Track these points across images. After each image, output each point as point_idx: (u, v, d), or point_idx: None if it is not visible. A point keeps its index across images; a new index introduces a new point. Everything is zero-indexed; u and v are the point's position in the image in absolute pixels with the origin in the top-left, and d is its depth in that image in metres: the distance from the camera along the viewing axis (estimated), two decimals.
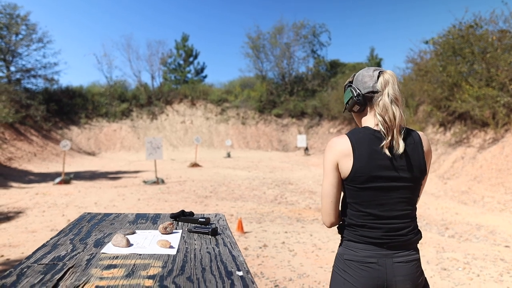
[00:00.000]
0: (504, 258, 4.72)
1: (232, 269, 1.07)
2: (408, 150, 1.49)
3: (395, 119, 1.47)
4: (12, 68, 26.56)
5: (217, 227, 1.47)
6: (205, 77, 41.02)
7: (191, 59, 39.56)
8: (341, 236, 1.59)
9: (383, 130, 1.47)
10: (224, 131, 30.70)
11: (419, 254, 1.55)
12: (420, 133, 1.58)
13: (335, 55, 68.54)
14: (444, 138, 14.39)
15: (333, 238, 5.54)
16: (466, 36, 13.63)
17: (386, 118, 1.47)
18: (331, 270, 4.22)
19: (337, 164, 1.50)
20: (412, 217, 1.55)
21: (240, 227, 5.89)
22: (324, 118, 29.54)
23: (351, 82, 1.65)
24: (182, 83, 37.58)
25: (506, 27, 12.95)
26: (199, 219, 1.59)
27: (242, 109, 32.71)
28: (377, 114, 1.50)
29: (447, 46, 14.43)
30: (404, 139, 1.49)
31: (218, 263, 1.12)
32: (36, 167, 16.67)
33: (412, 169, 1.49)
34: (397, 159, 1.47)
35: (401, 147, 1.46)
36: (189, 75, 39.45)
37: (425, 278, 1.57)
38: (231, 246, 1.31)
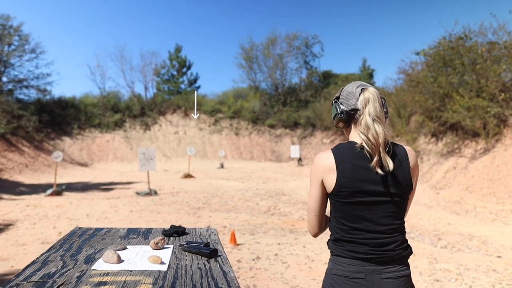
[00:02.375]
0: (496, 268, 4.74)
1: (223, 285, 1.07)
2: (394, 167, 1.49)
3: (378, 137, 1.47)
4: (4, 79, 26.42)
5: (216, 249, 1.43)
6: (198, 87, 41.12)
7: (184, 69, 39.68)
8: (330, 251, 1.59)
9: (368, 149, 1.48)
10: (217, 142, 30.68)
11: (409, 269, 1.53)
12: (407, 148, 1.59)
13: (327, 66, 68.93)
14: (436, 148, 14.51)
15: (326, 250, 5.53)
16: (456, 48, 13.84)
17: (370, 137, 1.48)
18: None
19: (322, 180, 1.53)
20: (400, 231, 1.54)
21: (233, 239, 5.86)
22: (317, 129, 29.65)
23: (337, 97, 1.66)
24: (175, 93, 37.61)
25: (495, 39, 13.18)
26: (202, 250, 1.41)
27: (235, 120, 32.77)
28: (360, 133, 1.52)
29: (438, 57, 14.63)
30: (390, 155, 1.50)
31: (209, 279, 1.12)
32: (27, 178, 16.50)
33: (396, 184, 1.50)
34: (382, 176, 1.48)
35: (390, 165, 1.46)
36: (182, 86, 39.53)
37: None
38: (222, 262, 1.31)
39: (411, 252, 1.56)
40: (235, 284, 1.09)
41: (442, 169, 12.59)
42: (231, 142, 30.76)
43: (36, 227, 7.33)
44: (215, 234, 1.73)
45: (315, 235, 1.63)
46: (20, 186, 14.18)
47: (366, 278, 1.45)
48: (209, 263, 1.29)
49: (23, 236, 6.59)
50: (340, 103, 1.62)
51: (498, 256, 5.31)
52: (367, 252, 1.47)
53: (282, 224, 7.43)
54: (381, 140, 1.47)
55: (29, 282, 1.08)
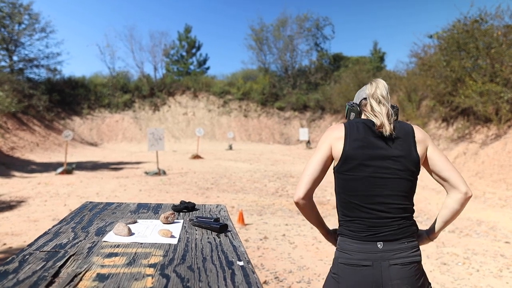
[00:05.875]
0: (504, 254, 4.72)
1: (233, 259, 1.07)
2: (399, 142, 1.52)
3: (381, 111, 1.54)
4: (15, 58, 26.57)
5: (226, 224, 1.41)
6: (207, 69, 40.98)
7: (193, 50, 39.48)
8: (338, 236, 1.60)
9: (373, 118, 1.56)
10: (226, 123, 30.69)
11: (420, 256, 1.49)
12: (414, 125, 1.60)
13: (338, 48, 68.26)
14: (447, 134, 14.36)
15: None
16: (471, 31, 13.53)
17: (375, 113, 1.56)
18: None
19: (330, 146, 1.55)
20: (407, 212, 1.52)
21: (241, 219, 5.91)
22: (326, 112, 29.47)
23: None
24: (184, 74, 37.53)
25: None
26: (212, 225, 1.39)
27: (244, 102, 32.68)
28: (365, 114, 1.62)
29: (452, 40, 14.33)
30: (395, 130, 1.53)
31: (219, 253, 1.12)
32: (38, 157, 16.72)
33: (403, 161, 1.50)
34: (388, 150, 1.50)
35: (388, 128, 1.49)
36: (191, 67, 39.42)
37: (428, 281, 1.51)
38: (232, 237, 1.31)
39: (416, 228, 1.54)
40: (245, 258, 1.09)
41: (452, 154, 12.48)
42: (240, 124, 30.76)
43: (47, 204, 7.45)
44: (224, 210, 1.73)
45: (298, 199, 1.55)
46: (31, 165, 14.38)
47: (373, 265, 1.42)
48: (219, 237, 1.29)
49: (35, 213, 6.71)
50: (353, 102, 1.75)
51: (506, 242, 5.28)
52: (367, 229, 1.47)
53: (290, 205, 7.47)
54: (383, 112, 1.54)
55: (41, 251, 1.09)
